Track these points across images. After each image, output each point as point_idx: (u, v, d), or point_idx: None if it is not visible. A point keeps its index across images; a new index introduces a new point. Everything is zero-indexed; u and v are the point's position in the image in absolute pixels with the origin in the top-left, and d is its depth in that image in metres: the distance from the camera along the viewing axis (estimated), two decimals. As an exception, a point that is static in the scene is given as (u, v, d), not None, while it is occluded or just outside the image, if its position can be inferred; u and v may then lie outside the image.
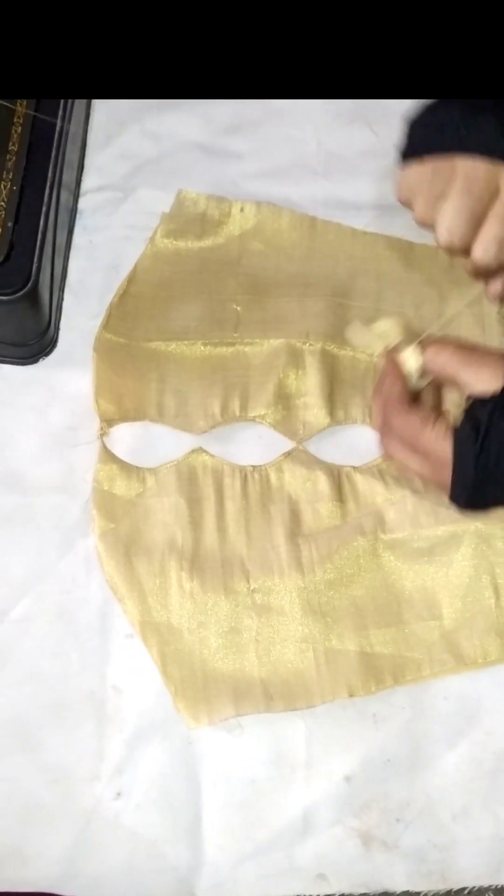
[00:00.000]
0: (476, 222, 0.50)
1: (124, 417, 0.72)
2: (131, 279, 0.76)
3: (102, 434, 0.71)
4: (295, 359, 0.74)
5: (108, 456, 0.71)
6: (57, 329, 0.75)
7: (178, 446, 0.72)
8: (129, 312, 0.75)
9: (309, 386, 0.74)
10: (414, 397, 0.61)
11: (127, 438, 0.72)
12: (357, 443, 0.73)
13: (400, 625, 0.68)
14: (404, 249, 0.80)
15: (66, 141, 0.71)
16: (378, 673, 0.67)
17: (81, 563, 0.70)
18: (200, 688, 0.66)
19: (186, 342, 0.75)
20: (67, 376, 0.74)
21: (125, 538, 0.69)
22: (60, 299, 0.76)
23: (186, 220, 0.79)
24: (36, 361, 0.74)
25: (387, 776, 0.67)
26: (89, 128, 0.83)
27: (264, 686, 0.66)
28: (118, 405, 0.72)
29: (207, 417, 0.73)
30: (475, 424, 0.52)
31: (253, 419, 0.74)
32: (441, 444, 0.54)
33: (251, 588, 0.69)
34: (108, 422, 0.72)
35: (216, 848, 0.64)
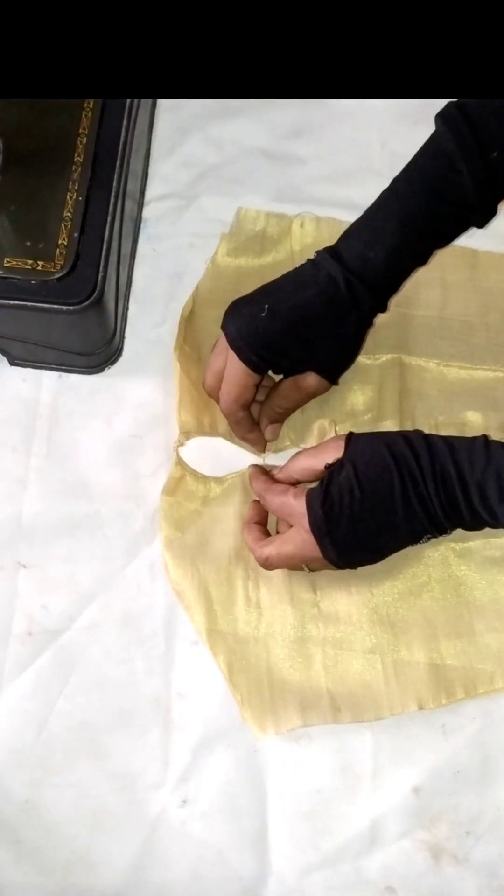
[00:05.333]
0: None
1: (201, 431, 0.72)
2: (195, 299, 0.76)
3: (180, 444, 0.72)
4: (359, 374, 0.73)
5: (177, 465, 0.71)
6: (122, 338, 0.76)
7: (243, 462, 0.72)
8: (196, 331, 0.75)
9: (376, 400, 0.73)
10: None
11: (197, 451, 0.73)
12: None
13: (471, 636, 0.67)
14: (468, 257, 0.78)
15: (130, 150, 0.71)
16: (449, 685, 0.66)
17: (146, 570, 0.70)
18: (267, 698, 0.65)
19: None
20: (132, 385, 0.75)
21: (192, 547, 0.69)
22: (125, 308, 0.76)
23: (247, 237, 0.78)
24: (102, 371, 0.75)
25: (456, 788, 0.65)
26: (153, 137, 0.83)
27: (331, 697, 0.65)
28: (197, 419, 0.72)
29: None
30: (321, 482, 0.61)
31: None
32: (298, 502, 0.61)
33: (318, 598, 0.68)
34: (186, 433, 0.72)
35: (282, 858, 0.64)
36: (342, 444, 0.62)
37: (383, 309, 0.66)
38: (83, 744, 0.66)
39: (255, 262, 0.77)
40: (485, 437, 0.60)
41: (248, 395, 0.67)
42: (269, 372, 0.68)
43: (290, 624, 0.67)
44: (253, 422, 0.69)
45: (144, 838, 0.64)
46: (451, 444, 0.60)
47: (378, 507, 0.59)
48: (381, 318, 0.71)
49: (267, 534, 0.67)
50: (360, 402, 0.73)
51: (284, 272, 0.67)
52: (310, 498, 0.61)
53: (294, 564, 0.64)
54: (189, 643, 0.68)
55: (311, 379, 0.67)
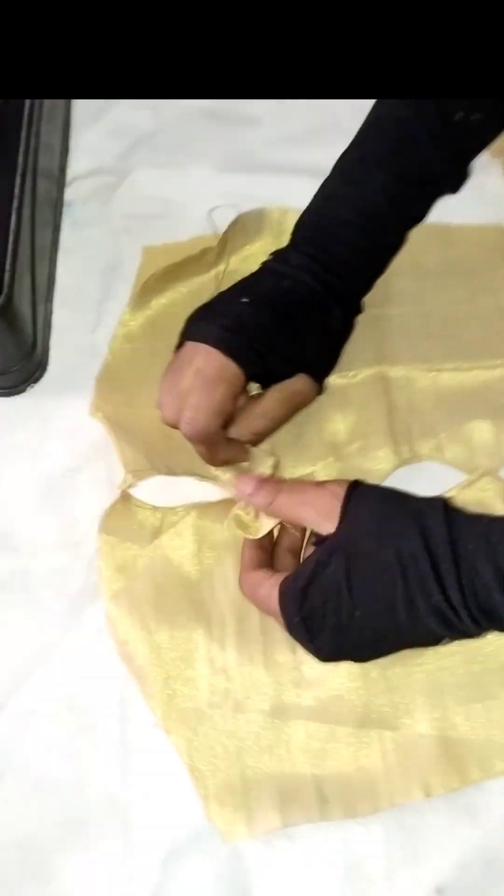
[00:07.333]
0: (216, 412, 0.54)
1: (156, 471, 0.62)
2: (118, 332, 0.68)
3: (129, 486, 0.62)
4: (336, 397, 0.64)
5: (120, 499, 0.62)
6: (46, 349, 0.67)
7: (199, 489, 0.62)
8: (120, 366, 0.66)
9: (361, 426, 0.64)
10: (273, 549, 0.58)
11: (149, 488, 0.63)
12: (430, 483, 0.61)
13: (487, 700, 0.57)
14: (441, 235, 0.71)
15: (39, 118, 0.64)
16: (461, 764, 0.56)
17: (93, 636, 0.59)
18: (238, 790, 0.56)
19: None
20: (63, 405, 0.66)
21: (141, 599, 0.60)
22: (48, 312, 0.68)
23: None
24: (23, 391, 0.66)
25: (490, 882, 0.55)
26: (72, 101, 0.76)
27: (318, 786, 0.56)
28: (148, 457, 0.63)
29: None
30: (300, 575, 0.50)
31: (300, 478, 0.63)
32: (270, 595, 0.52)
33: (298, 659, 0.58)
34: (135, 473, 0.62)
35: None
36: (338, 505, 0.51)
37: (360, 309, 0.59)
38: (25, 865, 0.55)
39: (185, 286, 0.69)
40: None
41: (231, 405, 0.55)
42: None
43: (265, 693, 0.58)
44: (228, 441, 0.58)
45: None
46: (488, 535, 0.47)
47: (375, 618, 0.48)
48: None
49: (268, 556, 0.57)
50: (342, 431, 0.64)
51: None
52: (285, 596, 0.51)
53: None
54: (150, 726, 0.57)
55: (300, 384, 0.56)
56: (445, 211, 0.68)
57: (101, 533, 0.61)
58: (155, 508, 0.62)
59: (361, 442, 0.64)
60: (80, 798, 0.56)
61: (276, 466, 0.59)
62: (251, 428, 0.56)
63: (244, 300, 0.54)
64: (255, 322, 0.53)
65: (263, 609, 0.53)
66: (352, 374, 0.65)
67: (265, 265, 0.57)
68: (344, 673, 0.58)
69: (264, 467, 0.58)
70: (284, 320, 0.54)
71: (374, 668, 0.58)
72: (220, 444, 0.56)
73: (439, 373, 0.66)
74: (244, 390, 0.55)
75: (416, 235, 0.68)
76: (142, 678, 0.58)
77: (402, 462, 0.63)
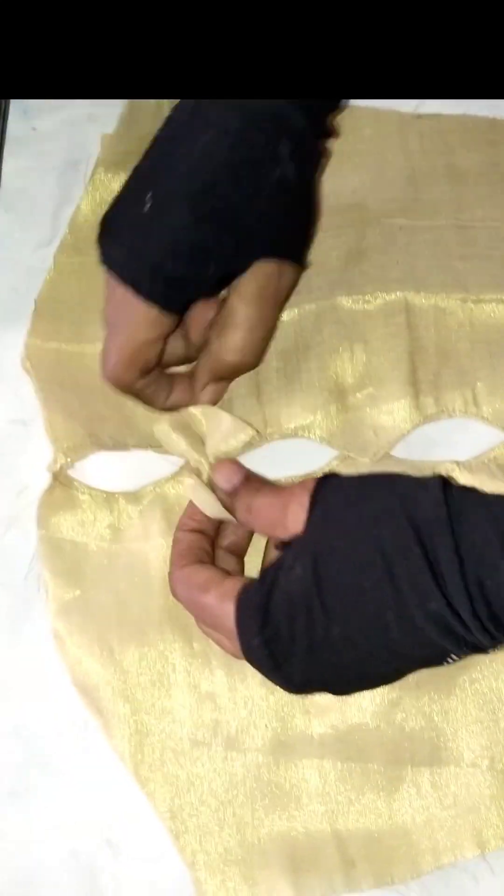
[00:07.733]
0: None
1: (97, 445, 0.52)
2: (65, 242, 0.56)
3: (62, 469, 0.51)
4: (343, 327, 0.54)
5: (61, 481, 0.51)
6: None
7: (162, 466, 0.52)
8: (61, 311, 0.56)
9: (374, 367, 0.54)
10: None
11: (96, 468, 0.53)
12: (461, 445, 0.52)
13: None
14: (485, 130, 0.61)
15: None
16: None
17: (45, 646, 0.49)
18: (237, 856, 0.47)
19: None
20: (7, 340, 0.54)
21: (98, 612, 0.50)
22: None
23: (139, 138, 0.57)
24: (-45, 322, 0.54)
25: None
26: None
27: (340, 845, 0.47)
28: (87, 429, 0.53)
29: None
30: (261, 582, 0.43)
31: (293, 433, 0.53)
32: (224, 608, 0.43)
33: None
34: (69, 451, 0.51)
35: None
36: (307, 500, 0.43)
37: (327, 129, 0.49)
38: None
39: None
40: None
41: (149, 353, 0.46)
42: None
43: (266, 724, 0.48)
44: (165, 384, 0.49)
45: None
46: (497, 514, 0.39)
47: (358, 635, 0.40)
48: (368, 240, 0.56)
49: (209, 552, 0.47)
50: (349, 373, 0.54)
51: None
52: (241, 614, 0.41)
53: None
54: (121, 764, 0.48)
55: (262, 273, 0.46)
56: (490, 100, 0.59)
57: (39, 530, 0.50)
58: (109, 494, 0.51)
59: (374, 388, 0.53)
60: (33, 851, 0.47)
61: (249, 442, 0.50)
62: (229, 345, 0.47)
63: (148, 198, 0.44)
64: (165, 233, 0.44)
65: (207, 621, 0.44)
66: (366, 298, 0.54)
67: (174, 113, 0.46)
68: (367, 694, 0.47)
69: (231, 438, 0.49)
70: (207, 204, 0.44)
71: (409, 685, 0.47)
72: (148, 395, 0.48)
73: (478, 304, 0.56)
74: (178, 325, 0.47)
75: (452, 132, 0.60)
76: (103, 714, 0.48)
77: (426, 418, 0.52)
